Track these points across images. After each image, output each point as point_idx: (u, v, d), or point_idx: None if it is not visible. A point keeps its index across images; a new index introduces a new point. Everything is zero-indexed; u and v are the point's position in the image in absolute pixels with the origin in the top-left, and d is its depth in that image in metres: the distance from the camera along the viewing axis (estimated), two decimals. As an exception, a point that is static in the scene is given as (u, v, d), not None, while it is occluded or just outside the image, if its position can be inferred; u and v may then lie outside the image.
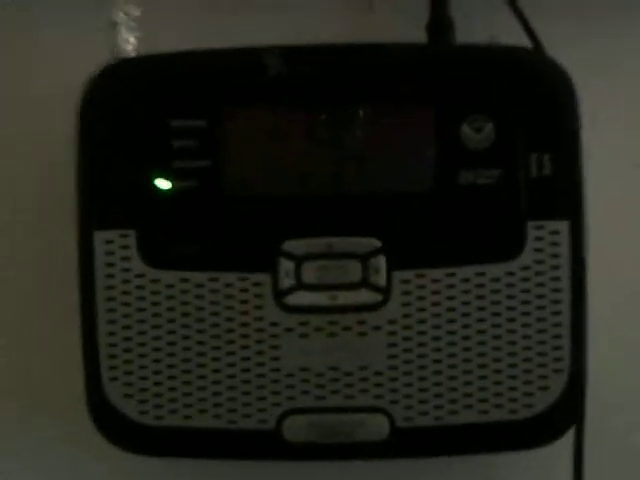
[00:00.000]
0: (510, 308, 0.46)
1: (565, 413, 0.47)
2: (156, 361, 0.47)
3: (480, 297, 0.46)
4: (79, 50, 0.53)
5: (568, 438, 0.48)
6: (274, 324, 0.46)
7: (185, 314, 0.47)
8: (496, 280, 0.46)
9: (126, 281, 0.47)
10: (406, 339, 0.46)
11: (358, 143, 0.47)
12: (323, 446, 0.47)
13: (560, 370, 0.46)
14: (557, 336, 0.46)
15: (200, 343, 0.47)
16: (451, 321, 0.46)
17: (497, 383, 0.46)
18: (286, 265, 0.46)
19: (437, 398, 0.46)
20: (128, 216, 0.47)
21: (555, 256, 0.46)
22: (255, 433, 0.47)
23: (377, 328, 0.46)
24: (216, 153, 0.47)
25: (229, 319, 0.46)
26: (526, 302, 0.46)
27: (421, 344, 0.46)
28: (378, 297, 0.46)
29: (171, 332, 0.47)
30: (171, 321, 0.47)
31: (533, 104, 0.46)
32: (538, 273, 0.46)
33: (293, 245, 0.46)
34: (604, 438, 0.52)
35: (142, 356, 0.47)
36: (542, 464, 0.52)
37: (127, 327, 0.47)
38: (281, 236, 0.46)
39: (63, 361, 0.51)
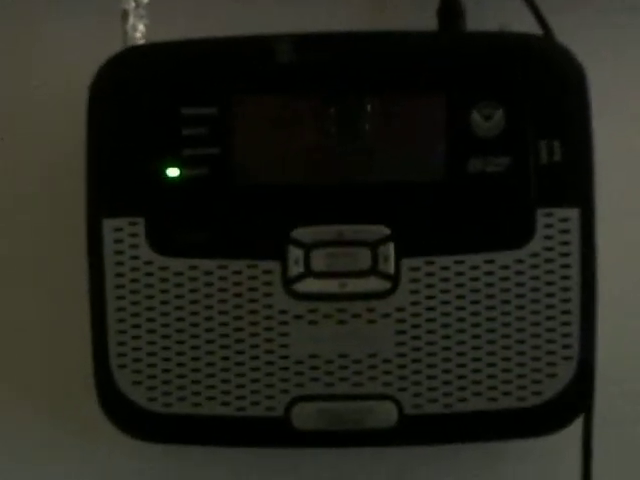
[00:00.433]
0: (519, 295, 0.46)
1: (574, 400, 0.47)
2: (165, 348, 0.47)
3: (489, 285, 0.46)
4: (88, 38, 0.53)
5: (577, 426, 0.48)
6: (283, 311, 0.46)
7: (194, 301, 0.47)
8: (505, 268, 0.46)
9: (135, 268, 0.47)
10: (415, 327, 0.46)
11: (368, 131, 0.47)
12: (332, 433, 0.47)
13: (569, 357, 0.46)
14: (566, 323, 0.46)
15: (209, 330, 0.47)
16: (460, 309, 0.46)
17: (506, 370, 0.46)
18: (295, 253, 0.46)
19: (446, 385, 0.46)
20: (137, 204, 0.47)
21: (565, 243, 0.46)
22: (264, 420, 0.47)
23: (386, 315, 0.46)
24: (225, 141, 0.47)
25: (238, 306, 0.46)
26: (535, 289, 0.46)
27: (430, 331, 0.46)
28: (387, 285, 0.46)
29: (180, 319, 0.47)
30: (180, 308, 0.47)
31: (543, 91, 0.46)
32: (547, 260, 0.46)
33: (302, 233, 0.46)
34: (613, 426, 0.52)
35: (151, 343, 0.47)
36: (551, 452, 0.52)
37: (136, 314, 0.47)
38: (290, 223, 0.46)
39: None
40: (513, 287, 0.46)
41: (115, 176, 0.47)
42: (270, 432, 0.47)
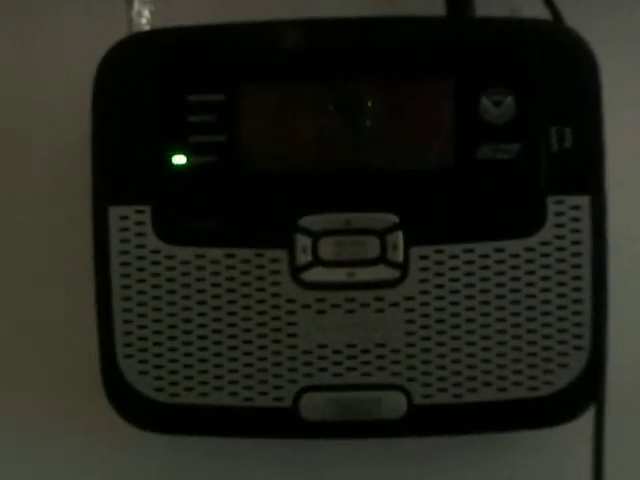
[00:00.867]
0: (530, 284, 0.45)
1: (585, 391, 0.46)
2: (172, 338, 0.46)
3: (499, 273, 0.45)
4: (93, 24, 0.53)
5: (588, 416, 0.47)
6: (291, 301, 0.46)
7: (201, 291, 0.46)
8: (515, 256, 0.45)
9: (141, 257, 0.46)
10: (424, 316, 0.46)
11: (376, 118, 0.46)
12: (340, 424, 0.46)
13: (580, 347, 0.45)
14: (577, 313, 0.45)
15: (216, 320, 0.46)
16: (470, 298, 0.46)
17: (516, 360, 0.46)
18: (303, 241, 0.46)
19: (455, 375, 0.46)
20: (143, 191, 0.46)
21: (576, 231, 0.45)
22: (271, 411, 0.46)
23: (395, 305, 0.46)
24: (232, 128, 0.46)
25: (245, 296, 0.46)
26: (546, 278, 0.45)
27: (439, 321, 0.46)
28: (396, 273, 0.46)
29: (187, 309, 0.46)
30: (187, 298, 0.46)
31: (554, 76, 0.45)
32: (558, 249, 0.45)
33: (310, 221, 0.46)
34: (625, 416, 0.51)
35: (157, 333, 0.46)
36: (562, 442, 0.52)
37: (142, 304, 0.46)
38: (298, 212, 0.46)
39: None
40: (523, 276, 0.45)
41: (121, 164, 0.46)
42: (278, 423, 0.47)
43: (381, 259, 0.46)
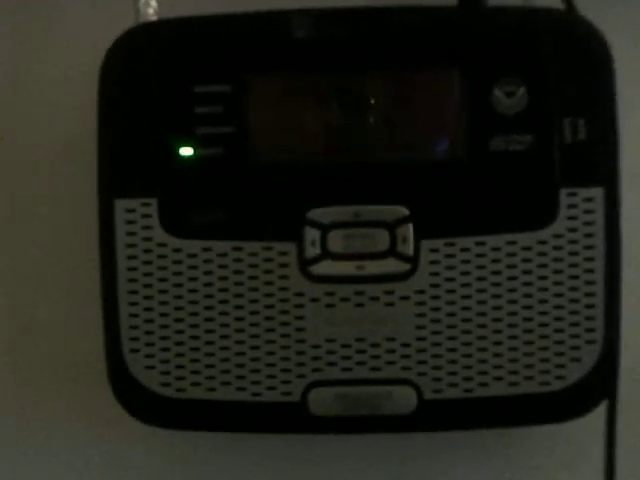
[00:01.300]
0: (542, 278, 0.45)
1: (598, 385, 0.46)
2: (178, 332, 0.46)
3: (511, 266, 0.45)
4: (100, 15, 0.52)
5: (600, 412, 0.47)
6: (299, 294, 0.45)
7: (208, 284, 0.46)
8: (528, 249, 0.45)
9: (147, 250, 0.46)
10: (434, 310, 0.45)
11: (386, 108, 0.46)
12: (349, 419, 0.46)
13: (593, 341, 0.45)
14: (590, 306, 0.45)
15: (223, 314, 0.46)
16: (481, 291, 0.45)
17: (528, 355, 0.45)
18: (312, 234, 0.45)
19: (466, 370, 0.45)
20: (150, 184, 0.46)
21: (589, 224, 0.45)
22: (280, 406, 0.46)
23: (405, 298, 0.45)
24: (240, 119, 0.46)
25: (253, 289, 0.45)
26: (558, 271, 0.45)
27: (450, 315, 0.45)
28: (406, 266, 0.45)
29: (194, 302, 0.46)
30: (194, 291, 0.46)
31: (567, 67, 0.45)
32: (571, 241, 0.45)
33: (319, 213, 0.45)
34: (638, 411, 0.51)
35: (164, 327, 0.46)
36: (573, 437, 0.51)
37: (149, 297, 0.46)
38: (307, 204, 0.45)
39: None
40: (535, 269, 0.45)
41: (127, 156, 0.46)
42: (286, 418, 0.46)
43: (391, 252, 0.45)
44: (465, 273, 0.45)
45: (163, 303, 0.46)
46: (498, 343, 0.45)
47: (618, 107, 0.44)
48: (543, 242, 0.45)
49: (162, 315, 0.46)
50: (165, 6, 0.49)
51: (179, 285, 0.46)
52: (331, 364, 0.46)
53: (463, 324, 0.45)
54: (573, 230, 0.45)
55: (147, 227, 0.46)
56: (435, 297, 0.45)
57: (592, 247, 0.45)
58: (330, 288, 0.45)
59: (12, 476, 0.55)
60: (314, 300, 0.45)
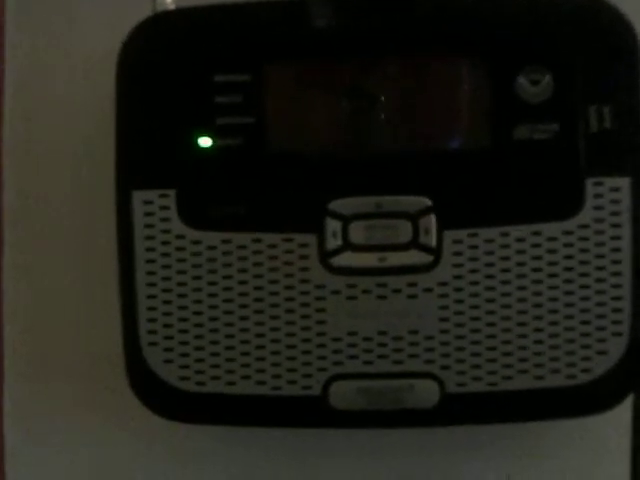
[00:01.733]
0: (568, 269, 0.44)
1: (624, 378, 0.45)
2: (197, 325, 0.45)
3: (536, 258, 0.44)
4: (117, 3, 0.51)
5: (626, 405, 0.46)
6: (320, 286, 0.45)
7: (227, 277, 0.45)
8: (553, 240, 0.44)
9: (166, 243, 0.45)
10: (458, 302, 0.44)
11: (409, 97, 0.45)
12: (371, 413, 0.45)
13: (620, 333, 0.44)
14: (617, 298, 0.44)
15: (243, 307, 0.45)
16: (505, 283, 0.44)
17: (554, 347, 0.44)
18: (333, 225, 0.45)
19: (490, 363, 0.45)
20: (168, 175, 0.45)
21: (615, 214, 0.44)
22: (300, 399, 0.45)
23: (428, 290, 0.45)
24: (260, 109, 0.45)
25: (273, 282, 0.45)
26: (585, 262, 0.44)
27: (474, 307, 0.44)
28: (429, 258, 0.45)
29: (213, 295, 0.45)
30: (213, 284, 0.45)
31: (593, 54, 0.44)
32: (597, 232, 0.44)
33: (340, 204, 0.45)
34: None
35: (183, 320, 0.45)
36: (599, 431, 0.51)
37: (167, 290, 0.45)
38: (327, 195, 0.45)
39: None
40: (561, 260, 0.44)
41: (145, 146, 0.45)
42: (307, 412, 0.46)
43: (413, 243, 0.45)
44: (489, 264, 0.44)
45: (182, 296, 0.45)
46: (523, 336, 0.44)
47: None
48: (569, 233, 0.44)
49: (181, 308, 0.45)
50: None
51: (198, 278, 0.45)
52: (352, 357, 0.45)
53: (487, 316, 0.44)
54: (599, 220, 0.44)
55: (165, 219, 0.45)
56: (458, 289, 0.44)
57: (619, 237, 0.44)
58: (351, 280, 0.45)
59: (30, 472, 0.55)
60: (335, 292, 0.45)
